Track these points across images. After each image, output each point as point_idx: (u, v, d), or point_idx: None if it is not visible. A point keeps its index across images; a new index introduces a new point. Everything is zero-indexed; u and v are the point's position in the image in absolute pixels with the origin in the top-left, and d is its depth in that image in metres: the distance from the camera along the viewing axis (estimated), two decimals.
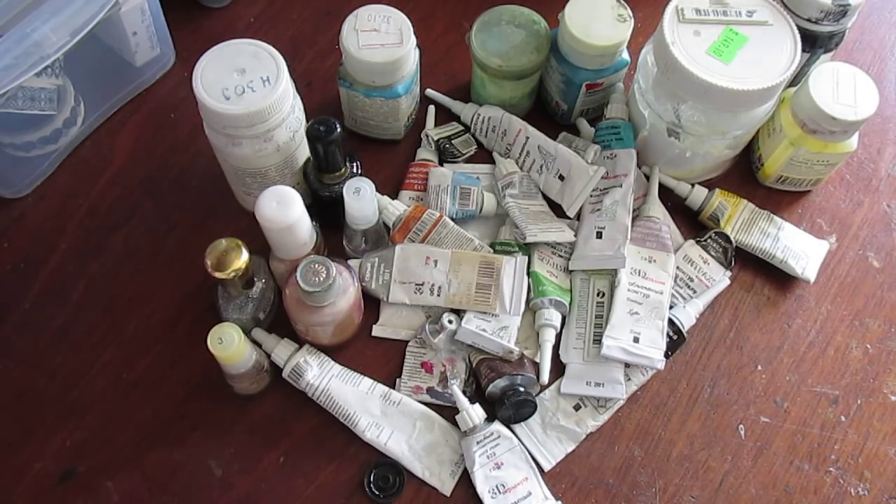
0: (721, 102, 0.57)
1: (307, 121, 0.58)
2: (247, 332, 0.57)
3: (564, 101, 0.67)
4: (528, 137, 0.66)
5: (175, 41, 0.72)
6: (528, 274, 0.62)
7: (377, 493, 0.58)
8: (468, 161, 0.68)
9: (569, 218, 0.65)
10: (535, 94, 0.69)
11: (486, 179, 0.67)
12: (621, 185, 0.63)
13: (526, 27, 0.64)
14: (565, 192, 0.64)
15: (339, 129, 0.55)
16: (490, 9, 0.65)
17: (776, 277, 0.66)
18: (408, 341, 0.63)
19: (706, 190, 0.66)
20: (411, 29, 0.61)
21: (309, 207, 0.55)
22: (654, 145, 0.65)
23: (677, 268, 0.64)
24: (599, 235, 0.62)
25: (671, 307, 0.62)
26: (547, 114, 0.71)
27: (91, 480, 0.58)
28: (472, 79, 0.69)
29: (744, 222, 0.66)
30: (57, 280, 0.64)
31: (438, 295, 0.61)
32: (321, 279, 0.52)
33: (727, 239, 0.65)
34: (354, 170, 0.62)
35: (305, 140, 0.58)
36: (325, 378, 0.59)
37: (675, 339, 0.62)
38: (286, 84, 0.54)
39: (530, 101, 0.70)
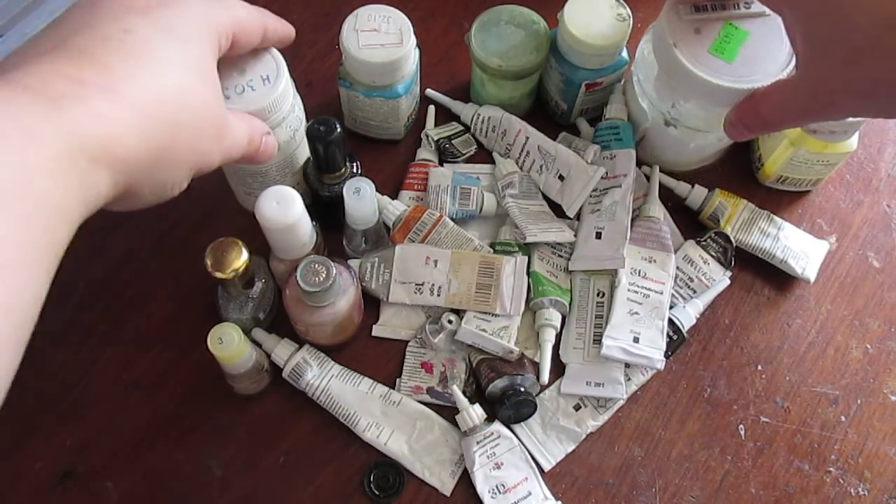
0: (725, 101, 0.57)
1: (307, 120, 0.58)
2: (247, 332, 0.57)
3: (564, 100, 0.67)
4: (527, 137, 0.66)
5: None
6: (528, 274, 0.62)
7: (377, 493, 0.58)
8: (468, 161, 0.68)
9: (569, 218, 0.65)
10: (534, 94, 0.69)
11: (486, 179, 0.67)
12: (621, 186, 0.63)
13: (525, 27, 0.64)
14: (565, 192, 0.64)
15: (339, 129, 0.55)
16: (489, 9, 0.65)
17: (776, 277, 0.66)
18: (408, 341, 0.63)
19: (706, 190, 0.66)
20: (411, 29, 0.61)
21: (309, 207, 0.55)
22: (653, 137, 0.65)
23: (677, 268, 0.64)
24: (599, 236, 0.62)
25: (671, 307, 0.62)
26: (547, 114, 0.71)
27: (91, 480, 0.58)
28: (471, 79, 0.69)
29: (744, 222, 0.66)
30: (57, 280, 0.64)
31: (438, 295, 0.61)
32: (321, 279, 0.52)
33: (727, 239, 0.65)
34: (354, 170, 0.62)
35: (305, 140, 0.58)
36: (325, 378, 0.59)
37: (675, 339, 0.62)
38: (286, 83, 0.54)
39: (530, 101, 0.70)
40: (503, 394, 0.58)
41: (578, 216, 0.65)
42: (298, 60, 0.73)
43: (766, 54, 0.57)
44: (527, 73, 0.64)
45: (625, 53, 0.65)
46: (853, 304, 0.66)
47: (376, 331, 0.63)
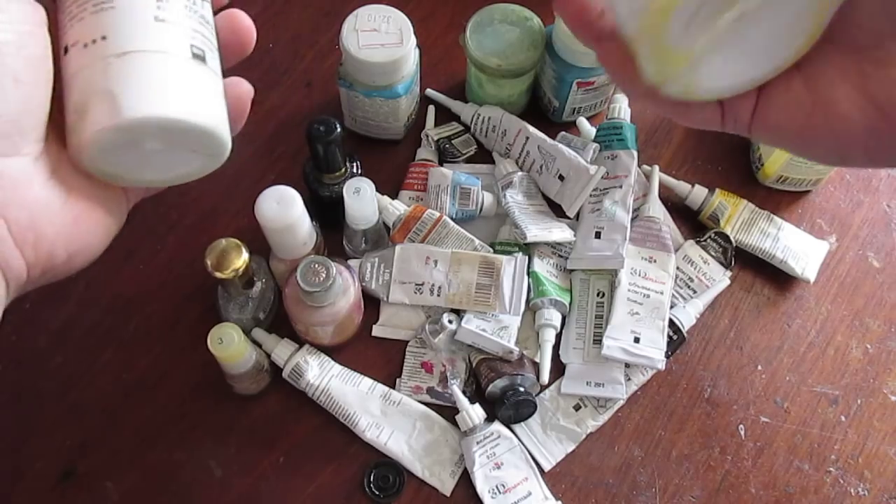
0: None
1: (308, 121, 0.58)
2: (247, 332, 0.57)
3: (556, 97, 0.67)
4: (527, 137, 0.66)
5: None
6: (528, 274, 0.62)
7: (377, 493, 0.58)
8: (468, 161, 0.68)
9: (569, 218, 0.65)
10: (531, 92, 0.69)
11: (486, 179, 0.67)
12: (621, 186, 0.63)
13: (519, 24, 0.64)
14: (565, 192, 0.64)
15: (339, 129, 0.55)
16: (480, 9, 0.65)
17: (776, 277, 0.66)
18: (408, 341, 0.63)
19: (706, 190, 0.66)
20: (411, 29, 0.61)
21: (308, 203, 0.55)
22: None
23: (677, 268, 0.64)
24: (598, 235, 0.62)
25: (671, 307, 0.62)
26: (542, 111, 0.71)
27: (91, 480, 0.59)
28: (466, 80, 0.69)
29: (744, 222, 0.66)
30: (57, 280, 0.64)
31: (438, 295, 0.61)
32: (321, 279, 0.52)
33: (727, 239, 0.65)
34: (354, 170, 0.62)
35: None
36: (325, 378, 0.59)
37: (675, 339, 0.62)
38: None
39: (527, 98, 0.70)
40: (503, 394, 0.58)
41: (578, 216, 0.65)
42: (298, 60, 0.73)
43: None
44: (526, 69, 0.64)
45: None
46: (853, 304, 0.66)
47: (376, 331, 0.63)
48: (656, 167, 0.66)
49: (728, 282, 0.64)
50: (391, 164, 0.69)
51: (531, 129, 0.66)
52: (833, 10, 0.30)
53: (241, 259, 0.54)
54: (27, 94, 0.29)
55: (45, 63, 0.29)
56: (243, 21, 0.34)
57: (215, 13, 0.33)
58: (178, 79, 0.30)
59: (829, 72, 0.31)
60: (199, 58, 0.30)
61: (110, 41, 0.29)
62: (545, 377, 0.60)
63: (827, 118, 0.31)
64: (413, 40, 0.61)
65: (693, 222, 0.67)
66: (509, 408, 0.58)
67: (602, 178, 0.63)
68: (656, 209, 0.65)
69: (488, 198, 0.65)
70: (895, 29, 0.29)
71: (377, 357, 0.63)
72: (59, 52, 0.30)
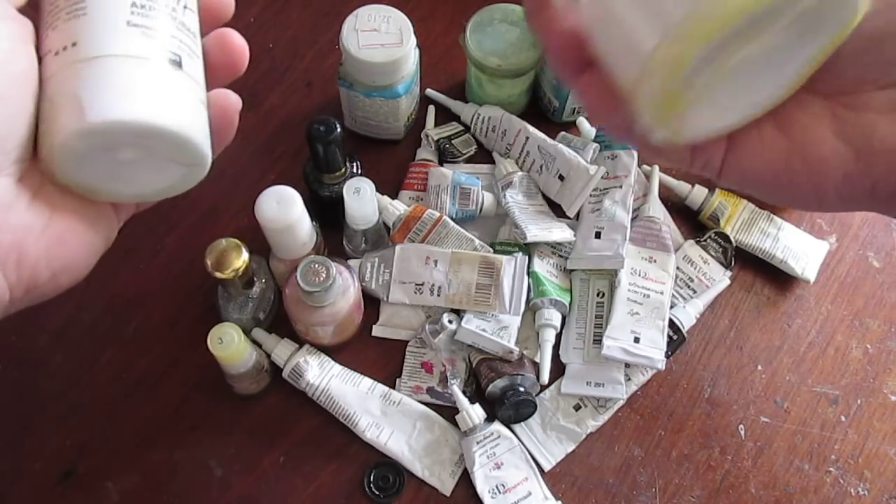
0: None
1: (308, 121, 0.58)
2: (247, 332, 0.57)
3: (556, 97, 0.67)
4: (527, 137, 0.66)
5: None
6: (528, 274, 0.62)
7: (377, 493, 0.58)
8: (468, 161, 0.68)
9: (569, 218, 0.65)
10: (531, 92, 0.69)
11: (486, 179, 0.67)
12: (621, 186, 0.63)
13: (519, 24, 0.64)
14: (565, 192, 0.64)
15: (339, 129, 0.55)
16: (481, 9, 0.65)
17: (776, 277, 0.66)
18: (408, 341, 0.63)
19: (706, 190, 0.66)
20: (411, 29, 0.61)
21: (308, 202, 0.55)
22: None
23: (677, 268, 0.64)
24: (598, 235, 0.62)
25: (671, 307, 0.62)
26: (542, 111, 0.71)
27: (91, 480, 0.59)
28: (467, 80, 0.69)
29: (744, 222, 0.66)
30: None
31: (438, 295, 0.61)
32: (321, 279, 0.52)
33: (727, 239, 0.65)
34: (354, 170, 0.62)
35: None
36: (325, 378, 0.59)
37: (675, 339, 0.62)
38: None
39: (527, 98, 0.70)
40: (503, 394, 0.58)
41: (578, 216, 0.65)
42: (298, 60, 0.73)
43: None
44: (525, 69, 0.64)
45: None
46: (853, 304, 0.66)
47: (376, 331, 0.63)
48: (656, 167, 0.66)
49: (728, 282, 0.64)
50: (391, 164, 0.69)
51: (531, 129, 0.66)
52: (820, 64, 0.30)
53: (241, 259, 0.54)
54: (10, 111, 0.28)
55: (30, 78, 0.29)
56: (235, 41, 0.33)
57: (208, 31, 0.32)
58: (148, 83, 0.29)
59: (802, 117, 0.31)
60: (175, 63, 0.29)
61: (80, 47, 0.28)
62: (545, 377, 0.60)
63: (807, 162, 0.31)
64: (413, 40, 0.61)
65: (693, 222, 0.67)
66: (509, 408, 0.58)
67: (602, 178, 0.63)
68: (656, 209, 0.65)
69: (488, 198, 0.65)
70: (876, 75, 0.29)
71: (377, 357, 0.63)
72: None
